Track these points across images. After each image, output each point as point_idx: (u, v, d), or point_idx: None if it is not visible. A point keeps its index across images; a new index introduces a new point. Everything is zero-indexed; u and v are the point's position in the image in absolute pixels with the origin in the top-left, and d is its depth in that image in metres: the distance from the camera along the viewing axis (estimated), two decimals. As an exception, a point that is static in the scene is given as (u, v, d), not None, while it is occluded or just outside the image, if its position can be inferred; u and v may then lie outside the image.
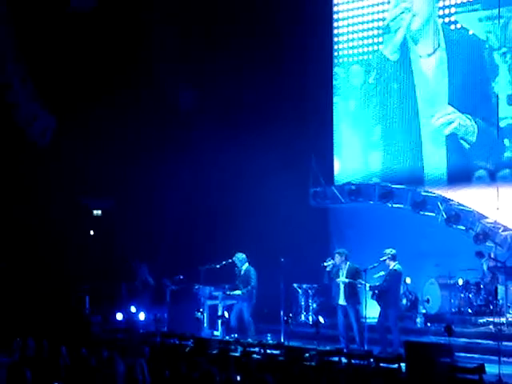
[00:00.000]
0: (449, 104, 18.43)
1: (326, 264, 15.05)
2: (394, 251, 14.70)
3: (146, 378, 9.74)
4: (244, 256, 16.42)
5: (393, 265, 14.64)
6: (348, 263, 14.80)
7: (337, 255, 14.93)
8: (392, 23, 19.40)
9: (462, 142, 18.17)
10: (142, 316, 17.03)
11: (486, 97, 17.70)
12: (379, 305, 14.78)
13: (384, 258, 14.76)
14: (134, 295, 18.14)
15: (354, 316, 14.64)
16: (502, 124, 17.41)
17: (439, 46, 18.61)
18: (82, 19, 19.14)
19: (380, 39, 19.80)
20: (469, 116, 18.07)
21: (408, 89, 19.22)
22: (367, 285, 14.78)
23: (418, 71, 19.04)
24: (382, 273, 14.79)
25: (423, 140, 18.91)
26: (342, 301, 14.77)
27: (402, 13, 19.19)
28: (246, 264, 16.38)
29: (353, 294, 14.71)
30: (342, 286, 14.77)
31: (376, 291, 14.63)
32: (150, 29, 19.54)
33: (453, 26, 18.42)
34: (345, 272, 14.75)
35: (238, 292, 16.28)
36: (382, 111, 19.75)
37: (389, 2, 19.62)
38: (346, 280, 14.67)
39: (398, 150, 19.36)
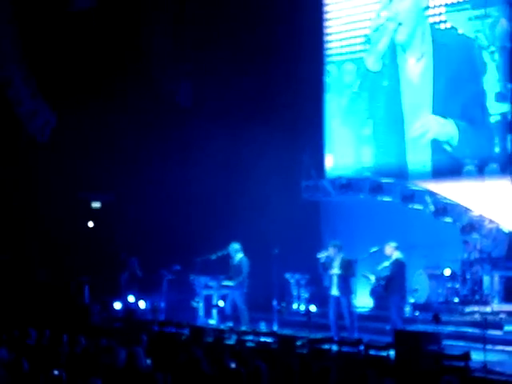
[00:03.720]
0: (432, 108, 18.49)
1: (320, 256, 15.34)
2: (395, 244, 14.95)
3: (144, 365, 10.01)
4: (238, 246, 16.64)
5: (395, 255, 14.87)
6: (341, 255, 15.00)
7: (331, 247, 15.12)
8: (374, 34, 19.42)
9: (445, 146, 18.28)
10: (142, 304, 17.25)
11: (474, 96, 17.76)
12: (382, 295, 15.05)
13: (374, 249, 15.07)
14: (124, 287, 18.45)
15: (346, 306, 14.82)
16: (491, 120, 17.55)
17: (426, 51, 18.62)
18: (83, 16, 19.20)
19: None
20: (451, 120, 18.14)
21: (393, 93, 19.27)
22: (372, 278, 15.05)
23: (404, 77, 19.09)
24: (386, 263, 14.98)
25: (407, 141, 19.00)
26: (334, 291, 14.94)
27: (386, 21, 19.21)
28: (240, 254, 16.59)
29: (345, 285, 14.85)
30: (334, 278, 14.93)
31: (382, 282, 14.95)
32: (148, 26, 19.62)
33: (442, 26, 18.46)
34: (338, 263, 14.96)
35: (230, 283, 16.54)
36: (371, 108, 19.83)
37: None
38: (338, 272, 14.86)
39: (387, 145, 19.47)
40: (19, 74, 19.21)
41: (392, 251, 14.91)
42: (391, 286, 14.81)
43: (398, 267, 14.88)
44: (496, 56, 17.59)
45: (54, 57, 19.15)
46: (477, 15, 17.87)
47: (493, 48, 17.64)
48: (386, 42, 19.30)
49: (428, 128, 18.58)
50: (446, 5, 18.48)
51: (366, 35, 19.66)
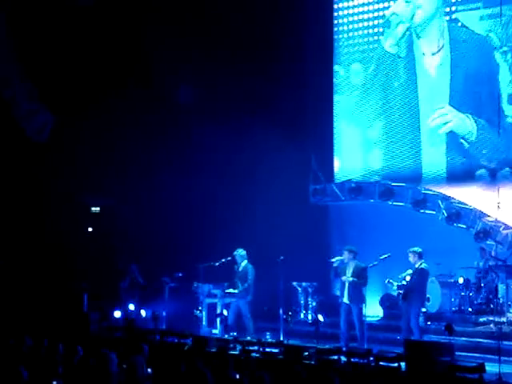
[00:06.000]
0: (449, 104, 18.37)
1: (333, 260, 14.97)
2: (420, 249, 14.57)
3: (145, 375, 9.68)
4: (244, 252, 16.40)
5: (419, 263, 14.52)
6: (355, 261, 14.71)
7: (345, 252, 14.82)
8: (392, 17, 19.32)
9: (461, 141, 18.13)
10: (143, 313, 17.05)
11: (489, 96, 17.60)
12: (402, 304, 14.65)
13: (384, 256, 14.73)
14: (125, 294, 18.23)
15: (356, 314, 14.56)
16: (507, 122, 17.35)
17: (443, 45, 18.51)
18: (81, 15, 19.12)
19: (380, 31, 19.75)
20: (469, 115, 17.99)
21: (409, 86, 19.15)
22: (395, 284, 14.68)
23: (420, 69, 18.97)
24: (410, 271, 14.67)
25: (423, 138, 18.87)
26: (346, 299, 14.67)
27: (405, 6, 19.09)
28: (245, 261, 16.35)
29: (357, 292, 14.59)
30: (346, 284, 14.67)
31: (403, 291, 14.58)
32: (148, 26, 19.49)
33: (458, 24, 18.34)
34: (351, 270, 14.66)
35: (235, 291, 16.28)
36: (381, 109, 19.68)
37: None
38: (351, 279, 14.58)
39: (398, 147, 19.29)
40: (16, 74, 19.09)
41: (416, 259, 14.55)
42: (412, 295, 14.47)
43: (422, 277, 14.57)
44: (508, 56, 17.42)
45: (52, 57, 19.06)
46: (489, 14, 17.73)
47: (505, 48, 17.48)
48: (404, 26, 19.19)
49: (446, 118, 18.38)
50: (457, 2, 18.33)
51: (384, 16, 19.49)
